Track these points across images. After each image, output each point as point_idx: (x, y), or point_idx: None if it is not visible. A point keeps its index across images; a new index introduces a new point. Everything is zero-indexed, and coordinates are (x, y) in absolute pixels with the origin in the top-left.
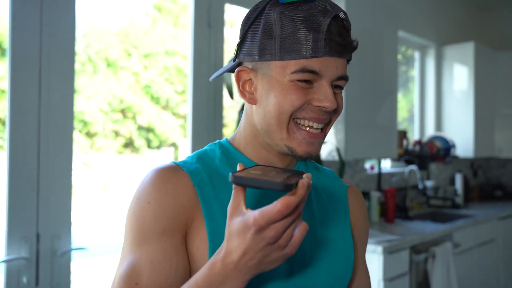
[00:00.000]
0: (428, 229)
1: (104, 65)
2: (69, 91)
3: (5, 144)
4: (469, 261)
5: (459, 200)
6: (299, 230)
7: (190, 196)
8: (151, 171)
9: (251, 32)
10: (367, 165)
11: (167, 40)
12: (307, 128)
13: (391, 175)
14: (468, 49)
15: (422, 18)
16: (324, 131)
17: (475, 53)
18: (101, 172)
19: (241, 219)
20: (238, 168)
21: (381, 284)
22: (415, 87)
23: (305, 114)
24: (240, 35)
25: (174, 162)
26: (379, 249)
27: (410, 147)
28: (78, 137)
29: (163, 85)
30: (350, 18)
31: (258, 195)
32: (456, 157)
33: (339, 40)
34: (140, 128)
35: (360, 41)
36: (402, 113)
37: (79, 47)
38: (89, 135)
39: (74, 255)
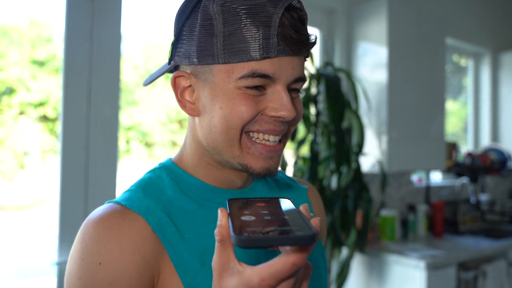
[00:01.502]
0: (479, 245)
1: (162, 77)
2: (114, 105)
3: (58, 156)
4: None
5: None
6: (303, 283)
7: (151, 245)
8: (90, 222)
9: (187, 29)
10: (415, 177)
11: None
12: (263, 141)
13: (440, 188)
14: None
15: (474, 25)
16: (283, 142)
17: None
18: None
19: (239, 280)
20: (221, 217)
21: None
22: (468, 97)
23: (258, 126)
24: (174, 32)
25: (117, 202)
26: (422, 264)
27: (461, 159)
28: (137, 147)
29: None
30: (394, 26)
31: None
32: None
33: (294, 35)
34: None
35: (406, 50)
36: (460, 123)
37: (138, 61)
38: (148, 145)
39: None
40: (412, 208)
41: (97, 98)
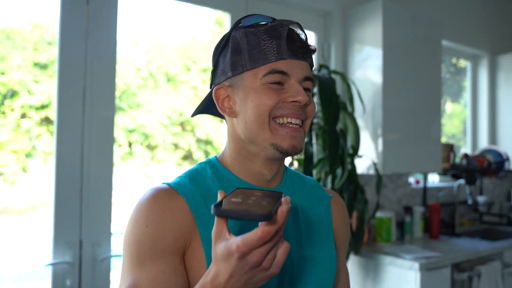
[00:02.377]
0: (475, 246)
1: (165, 79)
2: (110, 107)
3: (53, 158)
4: None
5: None
6: (282, 250)
7: (187, 219)
8: (147, 194)
9: (222, 57)
10: (412, 179)
11: None
12: (288, 124)
13: (438, 190)
14: None
15: (471, 27)
16: (303, 129)
17: None
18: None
19: (225, 245)
20: (219, 197)
21: None
22: (467, 99)
23: (282, 111)
24: (212, 63)
25: (168, 184)
26: (416, 265)
27: (458, 161)
28: (139, 150)
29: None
30: (389, 29)
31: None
32: (511, 172)
33: (299, 43)
34: (198, 140)
35: (401, 52)
36: (461, 125)
37: (141, 63)
38: (150, 147)
39: (114, 262)
40: (408, 209)
41: (93, 100)
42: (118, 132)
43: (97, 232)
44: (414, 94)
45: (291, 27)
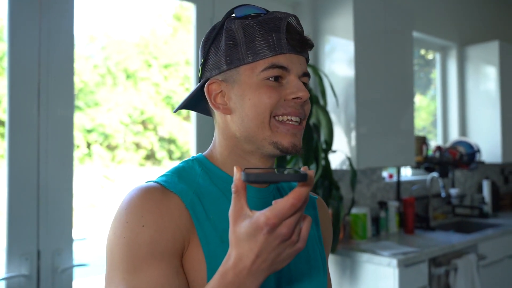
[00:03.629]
0: (450, 240)
1: (124, 76)
2: (69, 106)
3: (5, 161)
4: (497, 274)
5: (487, 208)
6: (305, 223)
7: (184, 219)
8: (135, 193)
9: (213, 49)
10: (385, 173)
11: (187, 50)
12: (288, 121)
13: (411, 183)
14: (492, 48)
15: (441, 18)
16: (302, 126)
17: (500, 52)
18: (122, 185)
19: (250, 222)
20: (237, 170)
21: None
22: (436, 91)
23: (283, 110)
24: (202, 55)
25: (156, 182)
26: (394, 262)
27: (431, 153)
28: (99, 150)
29: (184, 95)
30: (360, 20)
31: (253, 200)
32: (482, 163)
33: (298, 38)
34: (161, 139)
35: (373, 44)
36: (429, 117)
37: (98, 59)
38: (110, 147)
39: (76, 272)
40: (383, 205)
41: (48, 98)
42: (76, 133)
43: (57, 240)
44: (387, 86)
45: (289, 20)
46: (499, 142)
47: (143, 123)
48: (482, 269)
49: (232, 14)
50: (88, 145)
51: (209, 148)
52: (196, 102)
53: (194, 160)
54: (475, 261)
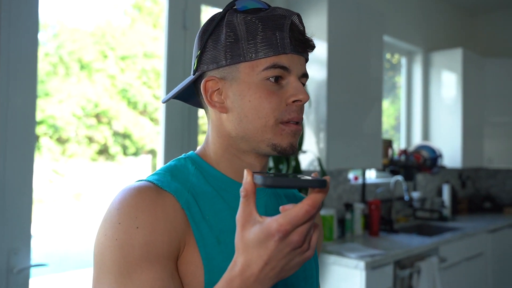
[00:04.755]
0: (413, 243)
1: (78, 67)
2: (30, 95)
3: None
4: (457, 276)
5: (447, 212)
6: (315, 231)
7: (180, 219)
8: (127, 191)
9: (211, 42)
10: (351, 175)
11: (146, 42)
12: (289, 122)
13: (376, 186)
14: (456, 55)
15: (409, 24)
16: (300, 126)
17: (463, 59)
18: (73, 180)
19: (260, 228)
20: (247, 174)
21: None
22: (401, 95)
23: (288, 116)
24: (199, 47)
25: (148, 181)
26: (362, 264)
27: (396, 157)
28: (48, 143)
29: (141, 89)
30: (334, 21)
31: (263, 205)
32: (443, 167)
33: (301, 38)
34: (115, 134)
35: (344, 46)
36: (390, 120)
37: (50, 47)
38: (61, 141)
39: (33, 272)
40: (349, 206)
41: (7, 87)
42: None
43: (14, 238)
44: (357, 88)
45: (293, 19)
46: (460, 147)
47: (97, 116)
48: (443, 271)
49: (234, 6)
50: (37, 138)
51: (201, 145)
52: (190, 94)
53: (186, 158)
54: (436, 263)
